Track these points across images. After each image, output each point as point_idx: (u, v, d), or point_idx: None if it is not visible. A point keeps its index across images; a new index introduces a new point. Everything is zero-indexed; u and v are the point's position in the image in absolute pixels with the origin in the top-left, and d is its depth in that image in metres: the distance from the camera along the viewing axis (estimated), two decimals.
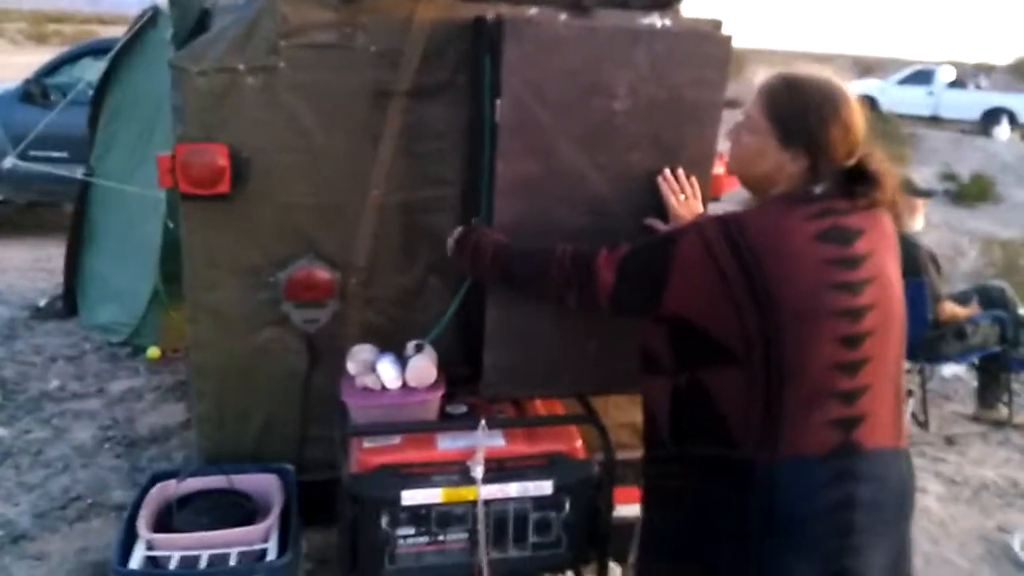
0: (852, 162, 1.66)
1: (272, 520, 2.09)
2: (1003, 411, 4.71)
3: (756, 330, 1.55)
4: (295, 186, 2.28)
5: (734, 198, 2.01)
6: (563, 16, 2.10)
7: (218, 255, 2.28)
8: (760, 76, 1.73)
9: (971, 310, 4.54)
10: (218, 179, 2.15)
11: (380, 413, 2.09)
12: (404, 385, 2.15)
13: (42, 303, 5.50)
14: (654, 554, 1.83)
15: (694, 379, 1.66)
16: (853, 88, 1.71)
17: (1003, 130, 18.32)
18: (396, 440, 2.10)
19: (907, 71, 22.73)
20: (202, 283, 2.29)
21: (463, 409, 2.23)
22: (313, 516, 2.41)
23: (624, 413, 2.54)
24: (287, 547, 2.09)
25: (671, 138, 2.07)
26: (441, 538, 2.04)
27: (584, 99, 1.96)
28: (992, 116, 19.62)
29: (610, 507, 2.11)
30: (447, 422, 2.16)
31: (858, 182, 1.65)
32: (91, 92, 7.15)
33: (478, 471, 1.98)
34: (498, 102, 1.94)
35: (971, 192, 12.06)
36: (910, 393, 4.46)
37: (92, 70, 7.16)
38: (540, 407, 2.32)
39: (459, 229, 2.12)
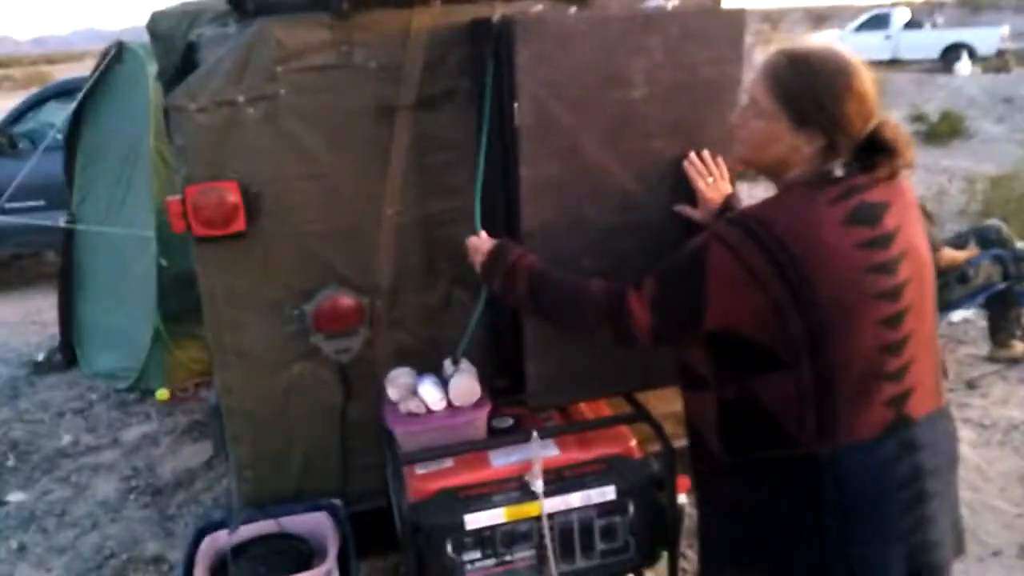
0: (868, 132, 1.60)
1: (331, 563, 2.03)
2: (1018, 347, 4.71)
3: (800, 328, 1.50)
4: (309, 214, 2.21)
5: None
6: (571, 9, 2.03)
7: (239, 294, 2.21)
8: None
9: (970, 253, 4.54)
10: (232, 218, 2.08)
11: (429, 437, 2.03)
12: (449, 405, 2.09)
13: (40, 357, 5.38)
14: (718, 562, 1.78)
15: (741, 389, 1.61)
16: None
17: (964, 65, 18.42)
18: (449, 463, 2.04)
19: (862, 17, 22.81)
20: (225, 324, 2.22)
21: (509, 422, 2.18)
22: (365, 547, 2.36)
23: (666, 404, 2.48)
24: None
25: (693, 121, 2.02)
26: (508, 558, 1.98)
27: (602, 92, 1.90)
28: (952, 53, 19.74)
29: (674, 504, 2.06)
30: (500, 438, 2.10)
31: (876, 154, 1.59)
32: (60, 136, 7.06)
33: (538, 485, 1.93)
34: (515, 105, 1.88)
35: (942, 130, 12.09)
36: None
37: (59, 114, 7.03)
38: (585, 410, 2.26)
39: (487, 243, 2.01)
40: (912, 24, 21.84)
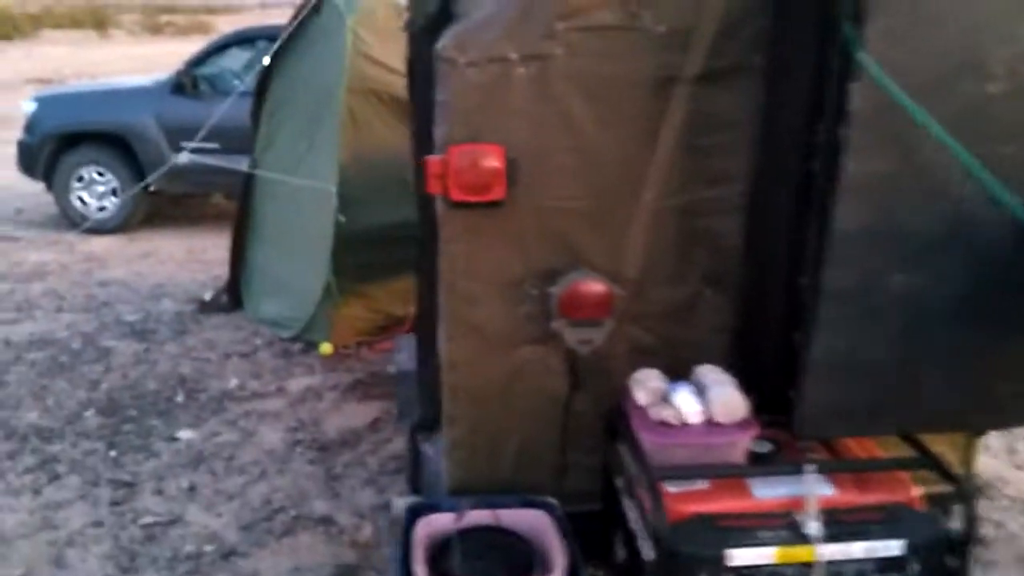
0: None
1: (561, 574, 1.84)
2: None
3: None
4: (563, 189, 2.03)
5: None
6: None
7: (480, 267, 2.05)
8: None
9: None
10: (493, 184, 1.91)
11: (685, 453, 1.82)
12: (708, 420, 1.86)
13: (207, 296, 5.48)
14: None
15: None
16: None
17: None
18: (704, 485, 1.82)
19: None
20: (460, 296, 2.07)
21: (768, 447, 1.94)
22: None
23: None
24: None
25: None
26: None
27: (953, 81, 1.63)
28: None
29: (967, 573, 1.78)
30: (768, 467, 1.87)
31: None
32: (240, 84, 7.18)
33: (813, 527, 1.69)
34: (851, 86, 1.62)
35: None
36: None
37: (239, 60, 7.16)
38: (854, 446, 2.00)
39: None
40: None
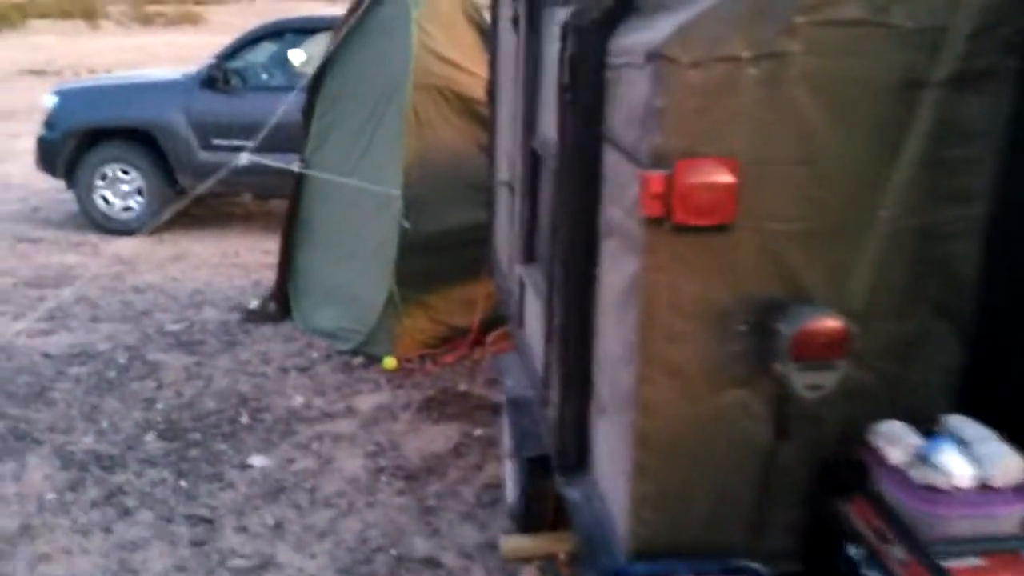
0: None
1: None
2: None
3: None
4: (788, 208, 1.75)
5: None
6: None
7: (687, 300, 1.77)
8: None
9: None
10: (725, 205, 1.64)
11: (963, 524, 1.55)
12: (981, 484, 1.59)
13: (253, 304, 5.16)
14: None
15: None
16: None
17: None
18: (981, 562, 1.55)
19: None
20: (663, 334, 1.79)
21: None
22: None
23: None
24: None
25: None
26: None
27: None
28: None
29: None
30: None
31: None
32: (271, 78, 6.87)
33: None
34: None
35: None
36: None
37: (269, 53, 6.83)
38: None
39: None
40: None
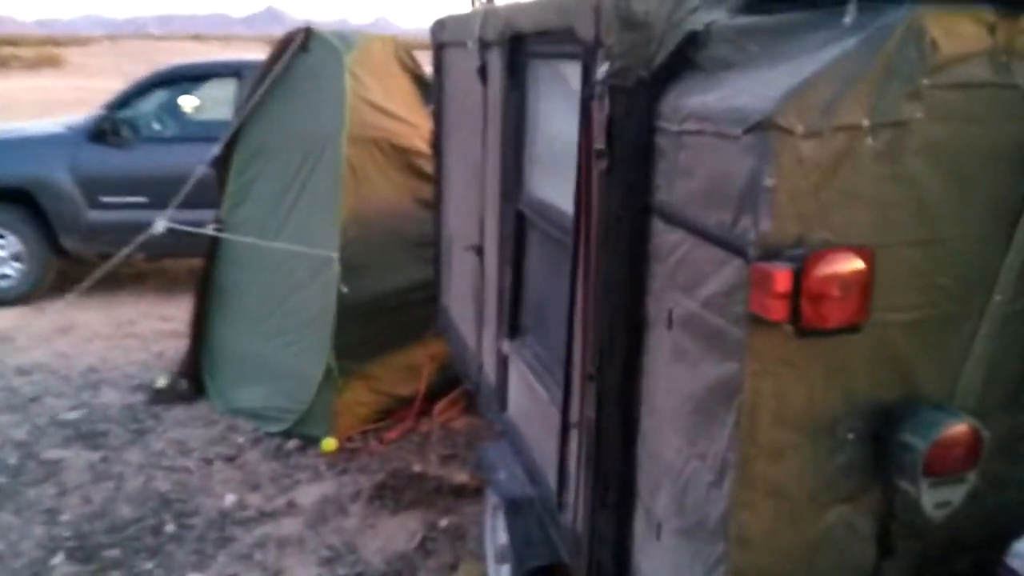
0: None
1: None
2: None
3: None
4: (905, 297, 1.51)
5: None
6: None
7: (793, 407, 1.50)
8: None
9: None
10: (859, 304, 1.37)
11: None
12: None
13: (160, 382, 4.58)
14: None
15: None
16: None
17: None
18: None
19: None
20: (767, 450, 1.50)
21: None
22: None
23: None
24: None
25: None
26: None
27: None
28: None
29: None
30: None
31: None
32: (158, 127, 6.30)
33: None
34: None
35: None
36: None
37: (161, 102, 6.30)
38: None
39: None
40: None
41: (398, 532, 3.35)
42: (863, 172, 1.41)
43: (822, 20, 1.50)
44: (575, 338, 2.11)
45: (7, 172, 5.84)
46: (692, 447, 1.67)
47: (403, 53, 4.38)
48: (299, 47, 4.15)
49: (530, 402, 2.59)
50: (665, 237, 1.72)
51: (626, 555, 1.99)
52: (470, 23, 3.05)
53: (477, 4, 3.14)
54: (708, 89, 1.61)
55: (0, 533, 3.27)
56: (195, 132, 6.21)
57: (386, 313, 4.14)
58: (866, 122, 1.39)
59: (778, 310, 1.35)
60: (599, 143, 1.83)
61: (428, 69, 4.57)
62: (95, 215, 5.90)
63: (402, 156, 4.23)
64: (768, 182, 1.38)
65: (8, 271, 5.96)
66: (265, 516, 3.45)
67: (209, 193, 4.47)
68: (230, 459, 3.90)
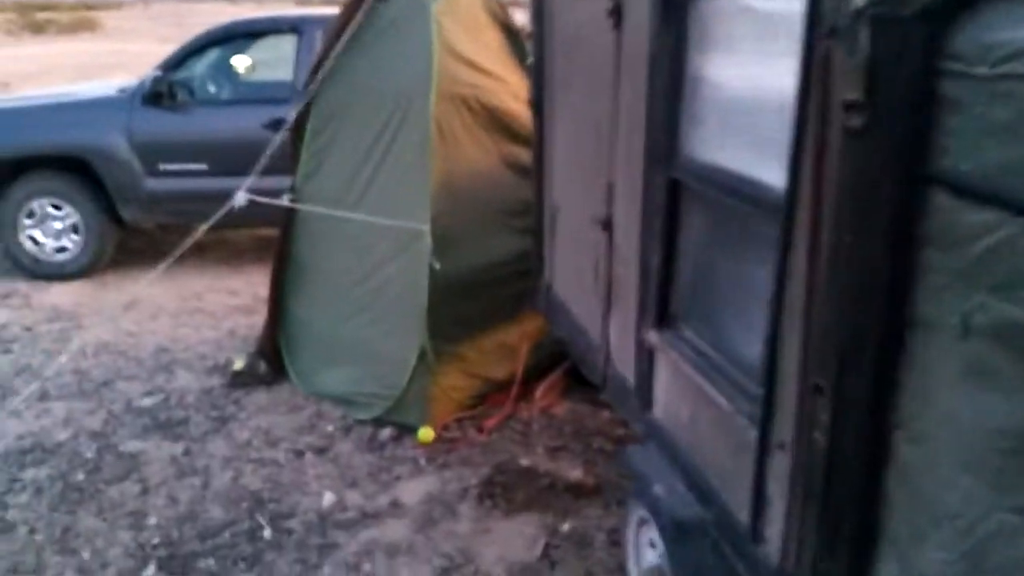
0: None
1: None
2: None
3: None
4: None
5: None
6: None
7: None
8: None
9: None
10: None
11: None
12: None
13: (238, 364, 4.27)
14: None
15: None
16: None
17: None
18: None
19: None
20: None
21: None
22: None
23: None
24: None
25: None
26: None
27: None
28: None
29: None
30: None
31: None
32: (214, 89, 5.94)
33: None
34: None
35: None
36: None
37: (218, 62, 5.92)
38: None
39: None
40: None
41: (515, 538, 3.02)
42: None
43: None
44: (786, 339, 1.72)
45: (61, 139, 5.53)
46: (1002, 497, 1.27)
47: (493, 2, 3.94)
48: None
49: (695, 406, 2.21)
50: (956, 217, 1.31)
51: None
52: None
53: None
54: None
55: (85, 540, 3.00)
56: (254, 93, 5.87)
57: (478, 289, 3.78)
58: None
59: None
60: (852, 93, 1.41)
61: (520, 19, 4.15)
62: (154, 183, 5.59)
63: (492, 115, 3.82)
64: None
65: (67, 243, 5.68)
66: (368, 518, 3.14)
67: (282, 159, 4.09)
68: (321, 451, 3.59)
